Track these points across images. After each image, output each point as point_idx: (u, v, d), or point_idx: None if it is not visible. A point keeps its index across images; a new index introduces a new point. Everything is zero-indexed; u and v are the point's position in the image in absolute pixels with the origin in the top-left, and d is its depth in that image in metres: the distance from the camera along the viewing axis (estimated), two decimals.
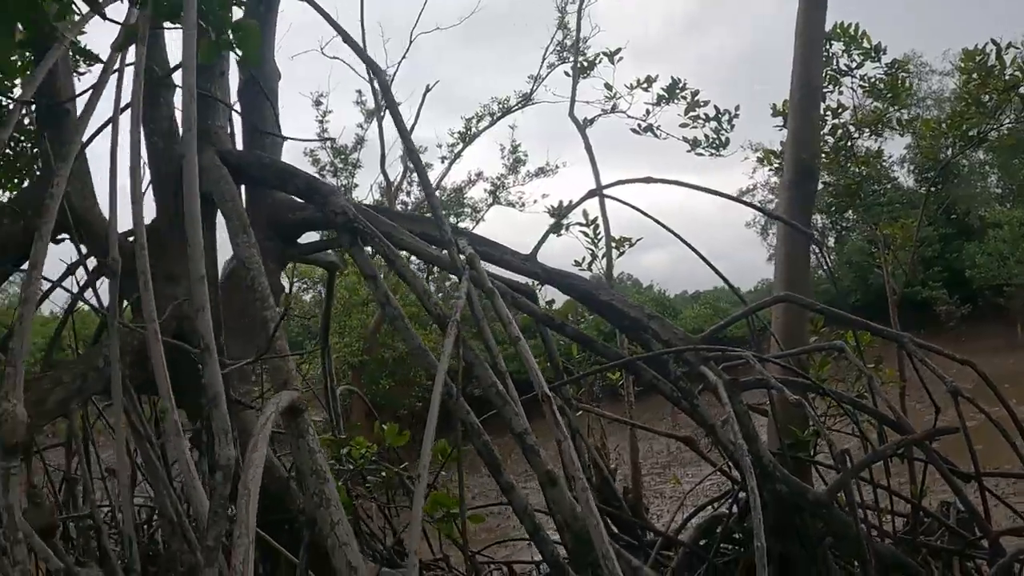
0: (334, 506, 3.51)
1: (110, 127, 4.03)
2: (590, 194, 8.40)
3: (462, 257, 4.94)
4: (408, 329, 5.04)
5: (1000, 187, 51.84)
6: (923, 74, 47.96)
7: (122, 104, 4.33)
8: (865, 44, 11.08)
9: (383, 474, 9.09)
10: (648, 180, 7.37)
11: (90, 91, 3.81)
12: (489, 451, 4.61)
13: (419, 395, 21.97)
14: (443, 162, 32.81)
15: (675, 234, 7.36)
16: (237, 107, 7.74)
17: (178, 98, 7.63)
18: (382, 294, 5.31)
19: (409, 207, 31.64)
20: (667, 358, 6.44)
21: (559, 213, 9.41)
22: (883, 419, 6.55)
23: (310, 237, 7.85)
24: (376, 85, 24.37)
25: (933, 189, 47.67)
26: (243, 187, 7.37)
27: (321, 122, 30.76)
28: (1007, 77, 9.84)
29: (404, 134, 5.71)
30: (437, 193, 33.07)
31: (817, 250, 8.57)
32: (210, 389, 2.92)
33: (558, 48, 29.21)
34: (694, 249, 7.50)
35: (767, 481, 6.22)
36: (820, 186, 11.05)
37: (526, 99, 31.28)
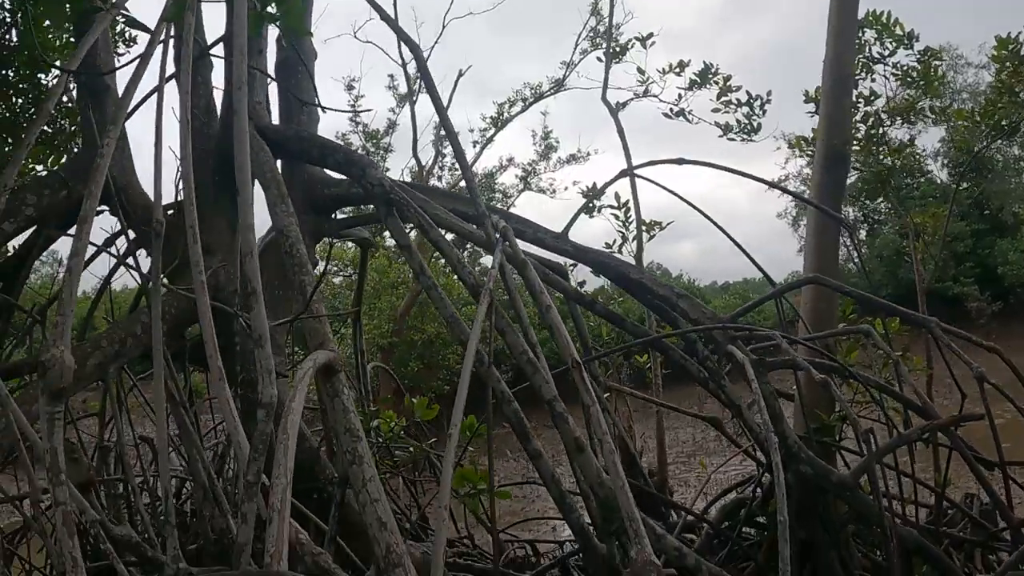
0: (367, 463, 3.59)
1: (155, 97, 4.10)
2: (622, 174, 8.46)
3: (496, 233, 5.00)
4: (442, 298, 5.11)
5: None
6: (959, 67, 47.54)
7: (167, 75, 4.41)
8: (898, 32, 11.04)
9: (410, 450, 9.22)
10: (680, 161, 7.42)
11: (137, 60, 3.88)
12: (519, 419, 4.70)
13: (447, 378, 22.11)
14: (475, 147, 32.82)
15: (706, 215, 7.42)
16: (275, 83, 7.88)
17: (217, 76, 7.81)
18: (417, 264, 5.40)
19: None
20: (695, 339, 6.50)
21: (592, 194, 9.48)
22: (909, 404, 6.55)
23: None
24: (411, 65, 24.47)
25: (965, 183, 47.48)
26: (279, 163, 7.55)
27: (353, 106, 30.89)
28: None
29: (439, 107, 5.76)
30: None
31: (848, 236, 8.54)
32: (256, 330, 3.02)
33: (591, 34, 29.13)
34: (724, 231, 7.55)
35: (791, 462, 6.26)
36: (851, 173, 11.04)
37: (558, 85, 31.22)
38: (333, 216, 7.86)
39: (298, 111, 7.92)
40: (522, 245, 6.54)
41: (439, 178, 32.80)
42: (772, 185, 7.69)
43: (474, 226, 5.65)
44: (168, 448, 4.79)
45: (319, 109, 7.99)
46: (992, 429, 6.10)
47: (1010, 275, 41.26)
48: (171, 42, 4.89)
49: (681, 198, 7.63)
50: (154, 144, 4.04)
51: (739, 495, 7.93)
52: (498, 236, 4.90)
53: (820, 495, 6.39)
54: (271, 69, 7.98)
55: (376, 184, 5.87)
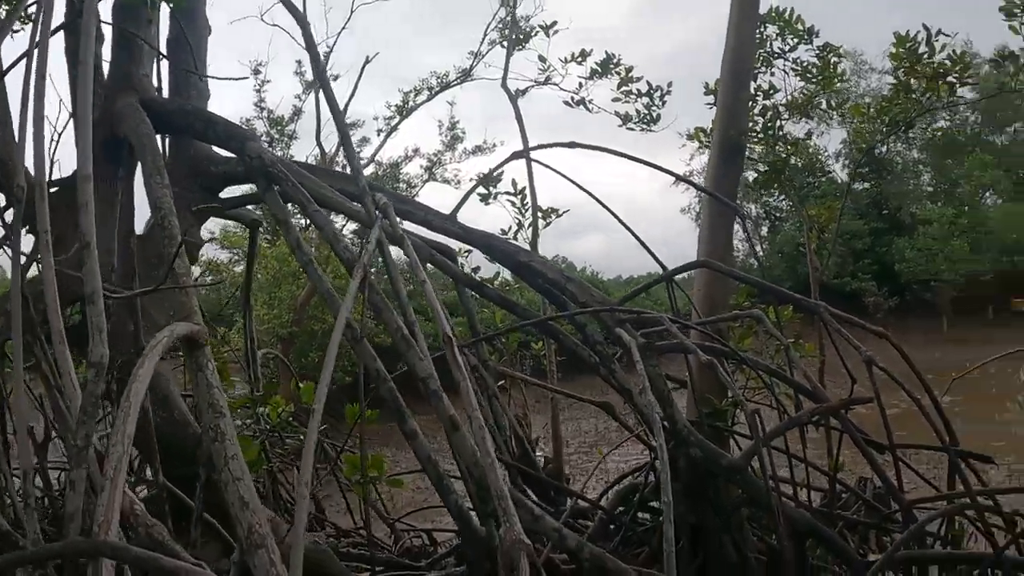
0: (229, 440, 3.44)
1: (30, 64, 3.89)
2: (514, 156, 8.38)
3: (375, 210, 4.86)
4: (319, 275, 4.97)
5: (932, 185, 53.04)
6: (863, 71, 48.83)
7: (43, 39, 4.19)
8: (799, 28, 11.14)
9: (300, 437, 9.00)
10: (572, 145, 7.36)
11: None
12: (394, 397, 4.57)
13: (348, 368, 21.81)
14: (379, 135, 32.44)
15: (599, 200, 7.37)
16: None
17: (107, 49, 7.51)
18: (293, 239, 5.24)
19: None
20: (585, 323, 6.44)
21: (484, 179, 9.36)
22: (799, 388, 6.60)
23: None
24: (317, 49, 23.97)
25: (865, 184, 48.83)
26: (168, 140, 7.30)
27: (259, 91, 30.33)
28: (935, 64, 9.91)
29: (320, 77, 5.58)
30: (373, 168, 32.78)
31: (742, 225, 8.58)
32: (88, 285, 2.85)
33: (500, 25, 28.99)
34: (616, 216, 7.50)
35: (681, 446, 6.25)
36: (750, 168, 11.12)
37: (465, 75, 30.98)
38: (222, 194, 7.63)
39: (186, 87, 7.68)
40: (411, 227, 6.43)
41: (343, 167, 32.39)
42: (661, 169, 7.59)
43: (357, 204, 5.50)
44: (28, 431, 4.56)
45: (209, 87, 7.78)
46: (881, 413, 6.16)
47: (906, 272, 42.70)
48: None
49: (574, 183, 7.58)
50: (20, 108, 3.87)
51: (633, 481, 7.91)
52: (377, 213, 4.77)
53: (711, 479, 6.40)
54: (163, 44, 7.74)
55: (255, 157, 5.69)
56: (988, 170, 46.30)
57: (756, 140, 10.58)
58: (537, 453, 11.01)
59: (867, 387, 6.25)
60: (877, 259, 44.18)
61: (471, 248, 7.72)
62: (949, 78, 10.03)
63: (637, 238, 7.50)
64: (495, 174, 9.30)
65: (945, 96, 10.05)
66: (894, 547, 5.88)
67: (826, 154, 48.70)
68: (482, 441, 3.43)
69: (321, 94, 25.65)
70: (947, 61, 9.96)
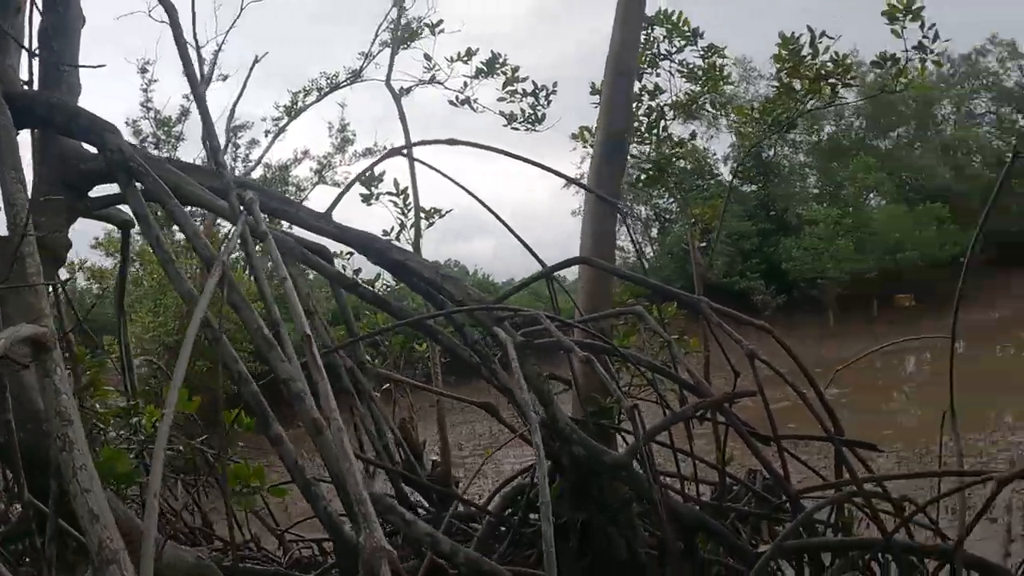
0: (78, 450, 3.23)
1: None
2: (391, 152, 8.26)
3: (239, 205, 4.67)
4: (178, 274, 4.76)
5: (818, 187, 54.48)
6: (751, 78, 49.87)
7: None
8: (685, 30, 11.27)
9: (180, 448, 8.72)
10: (452, 142, 7.27)
11: None
12: (257, 401, 4.39)
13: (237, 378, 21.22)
14: (266, 136, 31.89)
15: (478, 198, 7.29)
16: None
17: None
18: (152, 236, 5.01)
19: None
20: (464, 322, 6.35)
21: (364, 179, 9.19)
22: (682, 383, 6.61)
23: None
24: (206, 49, 23.34)
25: (753, 186, 49.93)
26: (37, 135, 6.96)
27: (146, 91, 29.56)
28: (817, 65, 10.11)
29: (188, 69, 5.34)
30: (261, 171, 32.21)
31: (623, 220, 8.58)
32: None
33: (391, 26, 28.74)
34: (493, 212, 7.43)
35: (564, 444, 6.20)
36: (635, 164, 11.18)
37: (355, 76, 30.63)
38: (91, 193, 7.29)
39: (56, 81, 7.33)
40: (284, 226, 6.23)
41: (232, 169, 31.74)
42: (541, 166, 7.50)
43: (223, 201, 5.29)
44: None
45: (80, 82, 7.42)
46: (765, 405, 6.21)
47: (793, 270, 43.91)
48: None
49: (454, 182, 7.48)
50: None
51: (521, 482, 7.84)
52: (242, 208, 4.59)
53: (596, 477, 6.36)
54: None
55: (115, 150, 5.43)
56: (872, 173, 47.74)
57: (640, 140, 10.67)
58: (434, 457, 10.86)
59: (751, 381, 6.29)
60: (765, 258, 45.23)
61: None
62: (831, 80, 10.25)
63: (516, 235, 7.47)
64: (376, 173, 9.15)
65: (827, 97, 10.26)
66: (782, 536, 5.95)
67: (715, 157, 49.73)
68: (340, 444, 3.29)
69: (210, 95, 25.07)
70: (829, 63, 10.17)
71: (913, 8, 9.00)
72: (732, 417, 6.27)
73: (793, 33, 10.10)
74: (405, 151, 8.91)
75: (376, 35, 29.32)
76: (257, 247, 4.80)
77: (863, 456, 6.84)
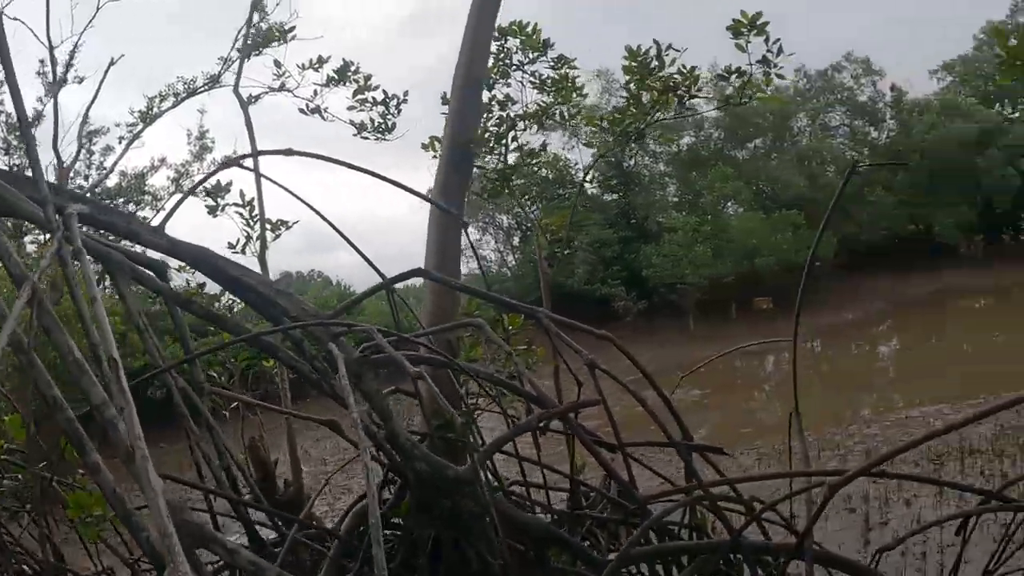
0: None
1: None
2: (227, 163, 8.03)
3: (57, 218, 4.43)
4: None
5: (678, 196, 55.92)
6: (613, 90, 50.74)
7: None
8: (537, 40, 11.29)
9: (19, 476, 8.27)
10: (289, 152, 7.11)
11: None
12: (72, 429, 4.16)
13: (85, 401, 20.37)
14: (120, 142, 30.78)
15: (314, 209, 7.14)
16: None
17: None
18: None
19: (85, 191, 29.40)
20: (302, 338, 6.19)
21: (216, 190, 8.90)
22: (524, 395, 6.60)
23: None
24: (60, 49, 22.31)
25: (617, 195, 50.86)
26: None
27: None
28: (663, 76, 10.23)
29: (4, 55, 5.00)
30: (116, 179, 31.12)
31: (465, 232, 8.53)
32: None
33: (253, 32, 28.00)
34: (333, 225, 7.29)
35: (407, 460, 6.12)
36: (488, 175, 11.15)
37: (214, 81, 29.79)
38: None
39: None
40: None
41: (86, 177, 30.65)
42: (384, 179, 7.35)
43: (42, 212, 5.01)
44: None
45: None
46: (608, 414, 6.24)
47: (654, 276, 45.06)
48: None
49: (292, 193, 7.30)
50: None
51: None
52: (59, 221, 4.35)
53: (440, 492, 6.27)
54: None
55: None
56: (729, 182, 49.26)
57: (489, 150, 10.62)
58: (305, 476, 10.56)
59: (594, 390, 6.31)
60: (626, 265, 46.18)
61: None
62: (679, 91, 10.40)
63: (354, 247, 7.35)
64: (223, 183, 8.88)
65: (675, 108, 10.40)
66: (628, 544, 5.94)
67: (577, 167, 50.56)
68: (144, 473, 3.12)
69: (62, 99, 24.10)
70: (677, 75, 10.32)
71: (758, 23, 9.16)
72: (576, 427, 6.27)
73: (639, 46, 10.22)
74: (243, 161, 8.64)
75: (236, 39, 28.54)
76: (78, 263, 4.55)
77: (712, 459, 6.94)
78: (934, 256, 53.93)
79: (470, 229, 52.89)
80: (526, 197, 48.84)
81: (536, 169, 42.20)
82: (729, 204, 52.75)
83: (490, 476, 7.12)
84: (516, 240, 51.48)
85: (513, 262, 50.68)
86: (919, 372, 28.65)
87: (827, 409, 20.98)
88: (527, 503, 7.60)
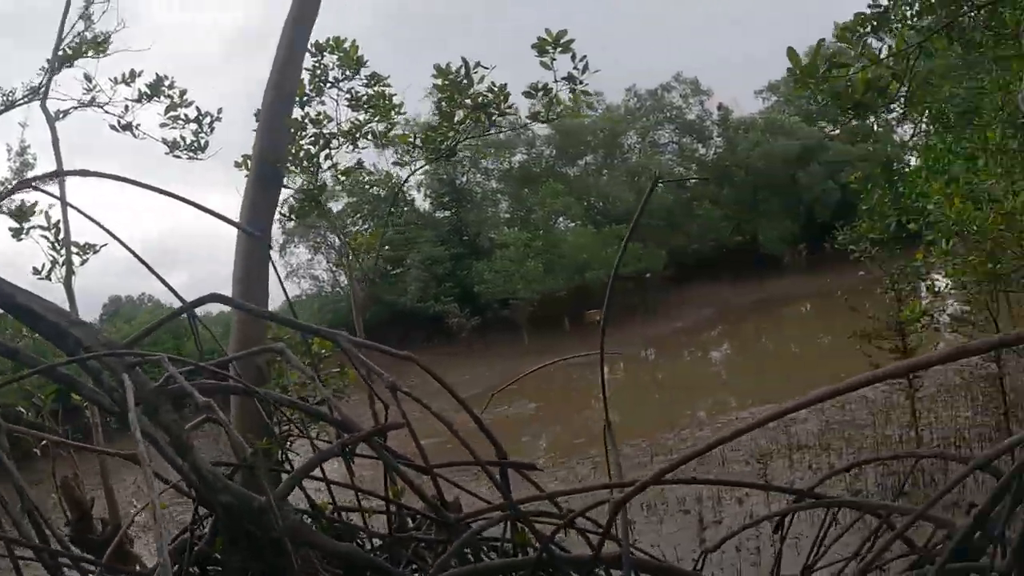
0: None
1: None
2: (21, 185, 7.60)
3: None
4: None
5: (509, 212, 56.61)
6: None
7: None
8: (353, 58, 11.17)
9: None
10: (84, 173, 6.78)
11: None
12: None
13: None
14: None
15: (109, 232, 6.81)
16: None
17: None
18: None
19: None
20: (100, 369, 5.89)
21: (21, 212, 8.44)
22: (328, 420, 6.46)
23: None
24: None
25: (449, 212, 50.95)
26: None
27: None
28: (471, 93, 10.28)
29: None
30: None
31: (267, 254, 8.29)
32: None
33: (76, 40, 26.66)
34: (127, 247, 6.96)
35: (212, 493, 5.89)
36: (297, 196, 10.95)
37: (34, 93, 28.18)
38: None
39: None
40: None
41: None
42: (181, 199, 7.03)
43: None
44: None
45: None
46: (412, 436, 6.16)
47: (486, 292, 45.28)
48: None
49: (89, 218, 6.96)
50: None
51: (189, 535, 7.38)
52: None
53: (249, 523, 6.07)
54: None
55: None
56: (559, 197, 50.12)
57: (302, 169, 10.44)
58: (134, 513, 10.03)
59: (400, 412, 6.22)
60: (459, 282, 46.33)
61: None
62: (489, 109, 10.46)
63: (153, 272, 7.00)
64: (20, 205, 8.43)
65: (485, 125, 10.46)
66: (437, 566, 5.88)
67: (409, 184, 50.48)
68: None
69: None
70: (488, 93, 10.38)
71: (562, 41, 9.27)
72: (381, 450, 6.17)
73: (449, 63, 10.22)
74: (48, 182, 8.20)
75: (57, 49, 27.18)
76: None
77: (530, 474, 6.92)
78: (760, 266, 56.63)
79: (301, 248, 52.63)
80: (358, 215, 48.82)
81: (368, 187, 42.20)
82: (560, 219, 53.75)
83: (305, 504, 6.98)
84: (350, 257, 51.07)
85: (346, 282, 50.16)
86: (749, 375, 29.81)
87: (662, 415, 21.46)
88: (354, 529, 7.46)
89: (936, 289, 14.60)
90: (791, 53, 6.84)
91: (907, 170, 15.61)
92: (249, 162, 10.52)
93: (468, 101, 10.23)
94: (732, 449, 15.17)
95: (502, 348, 41.19)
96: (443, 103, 10.75)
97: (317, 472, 6.91)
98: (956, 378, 16.45)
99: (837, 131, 54.88)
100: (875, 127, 53.09)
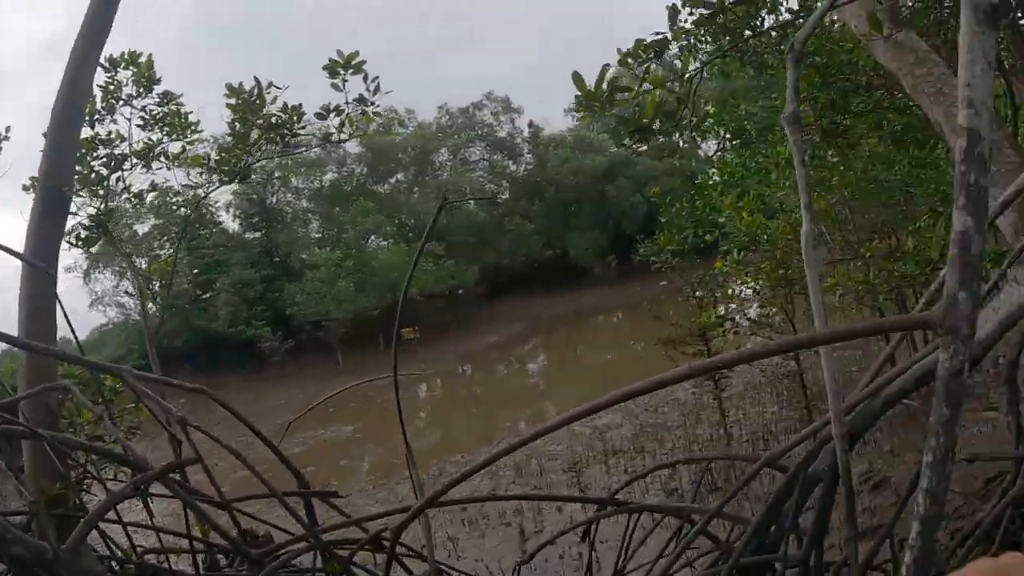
0: None
1: None
2: None
3: None
4: None
5: (321, 232, 56.01)
6: None
7: None
8: (147, 75, 10.75)
9: None
10: None
11: None
12: None
13: None
14: None
15: None
16: None
17: None
18: None
19: None
20: None
21: None
22: (116, 459, 6.12)
23: None
24: None
25: (259, 233, 49.84)
26: None
27: None
28: (263, 113, 10.03)
29: None
30: None
31: (53, 285, 7.73)
32: None
33: None
34: None
35: (3, 544, 5.44)
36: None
37: None
38: None
39: None
40: None
41: None
42: None
43: None
44: None
45: None
46: (206, 471, 5.88)
47: (299, 314, 44.54)
48: None
49: None
50: None
51: None
52: None
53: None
54: None
55: None
56: (370, 215, 49.90)
57: (92, 192, 9.92)
58: None
59: (192, 446, 5.94)
60: (270, 305, 45.40)
61: None
62: (283, 129, 10.24)
63: None
64: None
65: (278, 144, 10.23)
66: None
67: (217, 205, 49.25)
68: None
69: None
70: (281, 113, 10.16)
71: (354, 63, 9.18)
72: (176, 488, 5.87)
73: (241, 83, 9.93)
74: None
75: None
76: None
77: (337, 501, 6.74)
78: (571, 279, 57.94)
79: (107, 274, 50.32)
80: (164, 237, 47.09)
81: (175, 208, 40.74)
82: (372, 238, 53.56)
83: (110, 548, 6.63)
84: (157, 285, 49.22)
85: (153, 308, 48.29)
86: (565, 383, 30.37)
87: (481, 429, 21.54)
88: (161, 572, 7.10)
89: (736, 295, 15.26)
90: (576, 78, 6.94)
91: (703, 184, 16.25)
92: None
93: (260, 121, 9.96)
94: (550, 459, 15.41)
95: (316, 370, 40.67)
96: (236, 123, 10.42)
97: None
98: (761, 377, 17.21)
99: (644, 147, 56.91)
100: (680, 143, 55.25)
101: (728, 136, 15.30)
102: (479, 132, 64.71)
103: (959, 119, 2.61)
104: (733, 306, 16.21)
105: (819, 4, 4.30)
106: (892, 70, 7.14)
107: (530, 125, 65.14)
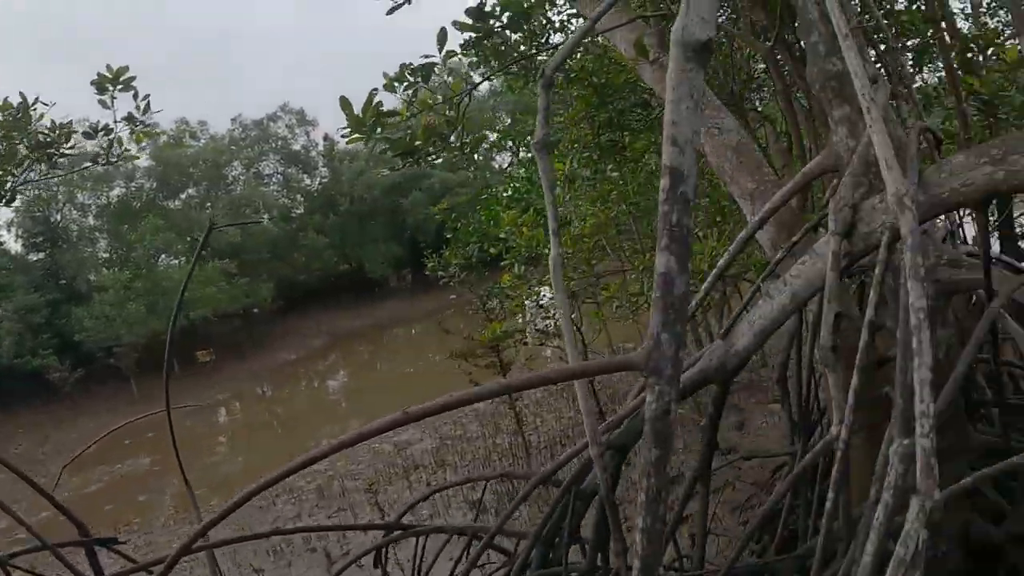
0: None
1: None
2: None
3: None
4: None
5: (109, 251, 53.80)
6: None
7: None
8: None
9: None
10: None
11: None
12: None
13: None
14: None
15: None
16: None
17: None
18: None
19: None
20: None
21: None
22: None
23: None
24: None
25: (43, 254, 47.39)
26: None
27: None
28: (29, 132, 9.82)
29: None
30: None
31: None
32: None
33: None
34: None
35: None
36: None
37: None
38: None
39: None
40: None
41: None
42: None
43: None
44: None
45: None
46: None
47: (88, 340, 42.32)
48: None
49: None
50: None
51: None
52: None
53: None
54: None
55: None
56: (160, 233, 48.24)
57: None
58: None
59: None
60: (57, 332, 42.80)
61: None
62: (50, 148, 10.07)
63: None
64: None
65: (45, 164, 10.07)
66: None
67: None
68: None
69: None
70: (50, 131, 10.01)
71: (123, 79, 9.04)
72: None
73: (7, 99, 9.70)
74: None
75: None
76: None
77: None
78: (367, 292, 57.99)
79: None
80: None
81: None
82: (163, 256, 51.79)
83: None
84: None
85: None
86: (369, 396, 30.47)
87: (286, 450, 21.27)
88: None
89: (533, 305, 15.82)
90: (344, 103, 6.98)
91: (488, 199, 16.76)
92: None
93: (26, 140, 9.76)
94: (352, 479, 15.52)
95: (110, 400, 38.99)
96: (2, 141, 10.16)
97: None
98: (555, 384, 17.78)
99: (440, 160, 57.40)
100: (476, 156, 56.20)
101: (516, 151, 15.86)
102: (273, 145, 63.88)
103: (663, 158, 2.69)
104: (525, 318, 16.73)
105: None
106: (658, 92, 7.54)
107: (325, 138, 64.84)
